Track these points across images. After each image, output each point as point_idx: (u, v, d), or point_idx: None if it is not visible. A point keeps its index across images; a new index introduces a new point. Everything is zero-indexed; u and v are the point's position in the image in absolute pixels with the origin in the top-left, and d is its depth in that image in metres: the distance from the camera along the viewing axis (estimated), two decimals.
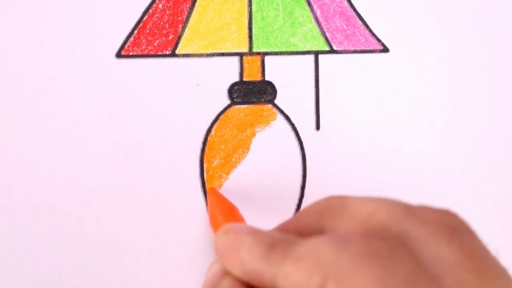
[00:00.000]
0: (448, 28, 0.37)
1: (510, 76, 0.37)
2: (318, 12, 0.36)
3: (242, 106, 0.35)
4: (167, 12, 0.35)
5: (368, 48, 0.36)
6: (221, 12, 0.35)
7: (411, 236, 0.19)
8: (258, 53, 0.35)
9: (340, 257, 0.18)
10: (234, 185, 0.35)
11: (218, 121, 0.35)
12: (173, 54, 0.35)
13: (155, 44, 0.35)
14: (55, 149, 0.34)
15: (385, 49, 0.36)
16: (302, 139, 0.36)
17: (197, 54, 0.35)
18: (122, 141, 0.34)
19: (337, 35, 0.36)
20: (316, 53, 0.36)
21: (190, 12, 0.35)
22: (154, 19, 0.35)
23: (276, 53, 0.36)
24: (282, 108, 0.36)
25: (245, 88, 0.35)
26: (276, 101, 0.36)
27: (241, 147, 0.36)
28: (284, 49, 0.36)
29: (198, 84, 0.35)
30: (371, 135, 0.36)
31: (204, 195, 0.35)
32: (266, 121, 0.36)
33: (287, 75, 0.36)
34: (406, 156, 0.37)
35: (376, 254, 0.18)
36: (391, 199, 0.21)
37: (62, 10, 0.34)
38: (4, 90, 0.33)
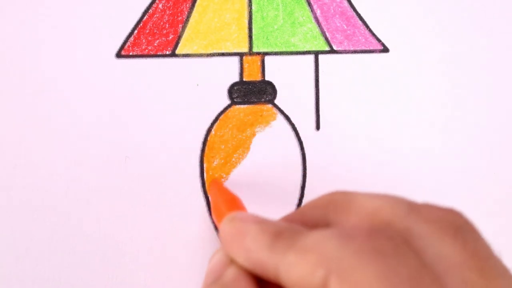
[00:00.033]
0: (448, 28, 0.37)
1: (510, 76, 0.37)
2: (318, 12, 0.36)
3: (242, 106, 0.35)
4: (167, 12, 0.35)
5: (368, 48, 0.36)
6: (221, 12, 0.35)
7: (415, 234, 0.19)
8: (258, 53, 0.35)
9: (344, 252, 0.18)
10: (234, 185, 0.35)
11: (218, 121, 0.35)
12: (173, 54, 0.35)
13: (155, 44, 0.35)
14: (55, 149, 0.34)
15: (385, 49, 0.36)
16: (302, 139, 0.36)
17: (197, 54, 0.35)
18: (122, 141, 0.34)
19: (337, 35, 0.36)
20: (316, 53, 0.36)
21: (190, 12, 0.35)
22: (154, 19, 0.35)
23: (276, 53, 0.36)
24: (282, 108, 0.36)
25: (245, 88, 0.35)
26: (276, 101, 0.36)
27: (241, 147, 0.36)
28: (284, 49, 0.36)
29: (198, 84, 0.35)
30: (371, 135, 0.36)
31: (204, 195, 0.35)
32: (266, 121, 0.36)
33: (287, 75, 0.36)
34: (406, 156, 0.37)
35: (380, 251, 0.18)
36: (397, 196, 0.21)
37: (62, 10, 0.34)
38: (4, 90, 0.33)
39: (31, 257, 0.33)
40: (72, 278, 0.34)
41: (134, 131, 0.34)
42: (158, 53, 0.35)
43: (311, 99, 0.36)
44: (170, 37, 0.35)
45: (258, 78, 0.35)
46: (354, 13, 0.36)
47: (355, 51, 0.36)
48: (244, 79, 0.35)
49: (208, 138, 0.35)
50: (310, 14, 0.36)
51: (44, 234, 0.34)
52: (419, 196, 0.36)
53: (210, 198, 0.34)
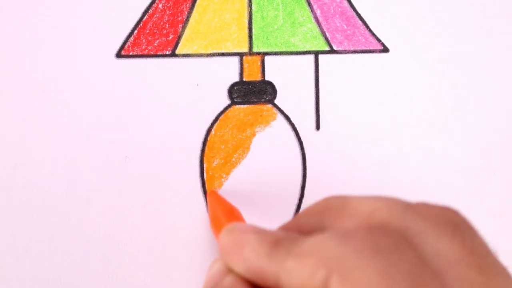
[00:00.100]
0: (448, 28, 0.37)
1: (510, 76, 0.37)
2: (318, 12, 0.36)
3: (242, 106, 0.35)
4: (167, 12, 0.35)
5: (368, 48, 0.36)
6: (221, 12, 0.35)
7: (413, 231, 0.19)
8: (258, 53, 0.35)
9: (343, 251, 0.18)
10: (234, 185, 0.35)
11: (218, 121, 0.35)
12: (173, 54, 0.35)
13: (155, 44, 0.35)
14: (55, 149, 0.34)
15: (385, 49, 0.36)
16: (302, 139, 0.36)
17: (197, 54, 0.35)
18: (122, 141, 0.34)
19: (337, 35, 0.36)
20: (316, 53, 0.36)
21: (190, 12, 0.35)
22: (154, 19, 0.35)
23: (276, 53, 0.36)
24: (282, 108, 0.36)
25: (245, 88, 0.35)
26: (276, 101, 0.36)
27: (241, 147, 0.36)
28: (284, 49, 0.36)
29: (198, 84, 0.35)
30: (371, 135, 0.36)
31: (204, 195, 0.35)
32: (266, 121, 0.36)
33: (287, 75, 0.36)
34: (406, 156, 0.37)
35: (380, 248, 0.18)
36: (391, 197, 0.21)
37: (62, 10, 0.34)
38: (4, 90, 0.33)
39: (31, 257, 0.33)
40: (72, 278, 0.34)
41: (134, 131, 0.34)
42: (158, 53, 0.35)
43: (311, 99, 0.36)
44: (170, 37, 0.35)
45: (258, 78, 0.35)
46: (354, 13, 0.36)
47: (355, 51, 0.36)
48: (244, 79, 0.35)
49: (208, 138, 0.35)
50: (310, 14, 0.36)
51: (44, 234, 0.34)
52: (419, 196, 0.36)
53: (208, 209, 0.34)
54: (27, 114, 0.34)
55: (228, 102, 0.35)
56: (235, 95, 0.35)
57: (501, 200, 0.37)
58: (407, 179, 0.37)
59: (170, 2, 0.35)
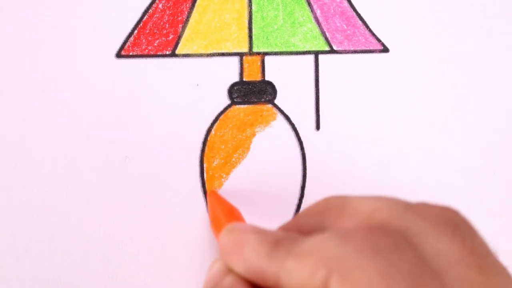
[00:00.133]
0: (448, 28, 0.37)
1: (510, 76, 0.37)
2: (318, 12, 0.36)
3: (242, 106, 0.35)
4: (167, 12, 0.35)
5: (368, 48, 0.36)
6: (221, 12, 0.35)
7: (413, 231, 0.19)
8: (258, 53, 0.35)
9: (343, 251, 0.18)
10: (234, 185, 0.35)
11: (218, 121, 0.35)
12: (173, 54, 0.35)
13: (155, 44, 0.35)
14: (55, 149, 0.34)
15: (385, 49, 0.36)
16: (302, 139, 0.36)
17: (197, 54, 0.35)
18: (122, 141, 0.34)
19: (337, 35, 0.36)
20: (316, 53, 0.36)
21: (190, 12, 0.35)
22: (154, 19, 0.35)
23: (276, 53, 0.36)
24: (282, 108, 0.36)
25: (245, 88, 0.35)
26: (276, 101, 0.36)
27: (241, 147, 0.36)
28: (284, 49, 0.36)
29: (198, 84, 0.35)
30: (371, 135, 0.36)
31: (204, 195, 0.35)
32: (266, 121, 0.36)
33: (287, 75, 0.36)
34: (406, 156, 0.37)
35: (380, 248, 0.18)
36: (391, 197, 0.21)
37: (62, 10, 0.34)
38: (4, 90, 0.33)
39: (31, 257, 0.33)
40: (72, 278, 0.34)
41: (134, 131, 0.34)
42: (158, 53, 0.35)
43: (311, 99, 0.36)
44: (170, 37, 0.35)
45: (258, 78, 0.35)
46: (354, 13, 0.36)
47: (355, 51, 0.36)
48: (244, 79, 0.35)
49: (208, 138, 0.35)
50: (310, 14, 0.36)
51: (44, 234, 0.34)
52: (419, 196, 0.36)
53: (208, 208, 0.34)
54: (27, 114, 0.34)
55: (228, 102, 0.35)
56: (235, 95, 0.35)
57: (501, 200, 0.37)
58: (407, 179, 0.37)
59: (170, 2, 0.35)
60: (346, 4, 0.36)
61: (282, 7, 0.36)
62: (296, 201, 0.36)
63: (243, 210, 0.31)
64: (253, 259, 0.21)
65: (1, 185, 0.33)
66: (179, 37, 0.35)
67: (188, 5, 0.35)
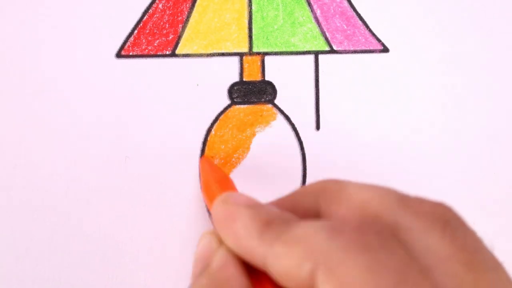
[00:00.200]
0: (448, 28, 0.37)
1: (510, 76, 0.37)
2: (318, 12, 0.36)
3: (242, 106, 0.35)
4: (167, 12, 0.35)
5: (368, 48, 0.36)
6: (221, 12, 0.35)
7: (404, 227, 0.19)
8: (258, 53, 0.35)
9: (332, 246, 0.18)
10: None
11: (218, 121, 0.35)
12: (173, 54, 0.35)
13: (155, 44, 0.35)
14: (55, 149, 0.34)
15: (385, 49, 0.36)
16: (302, 139, 0.36)
17: (197, 54, 0.35)
18: (122, 141, 0.34)
19: (337, 35, 0.36)
20: (316, 53, 0.36)
21: (190, 12, 0.35)
22: (154, 19, 0.35)
23: (276, 53, 0.36)
24: (282, 108, 0.36)
25: (245, 88, 0.35)
26: (276, 101, 0.36)
27: (241, 147, 0.36)
28: (284, 49, 0.36)
29: (198, 84, 0.35)
30: (371, 135, 0.36)
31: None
32: (266, 121, 0.36)
33: (287, 75, 0.36)
34: (406, 156, 0.37)
35: (368, 245, 0.18)
36: (387, 187, 0.21)
37: (62, 10, 0.34)
38: (4, 90, 0.33)
39: (31, 257, 0.33)
40: (72, 278, 0.34)
41: (134, 131, 0.34)
42: (158, 53, 0.35)
43: (311, 99, 0.36)
44: (170, 37, 0.35)
45: (258, 78, 0.35)
46: (354, 13, 0.36)
47: (355, 51, 0.36)
48: (244, 79, 0.35)
49: (208, 138, 0.35)
50: (310, 14, 0.36)
51: (44, 234, 0.34)
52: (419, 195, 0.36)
53: (200, 175, 0.34)
54: (27, 114, 0.34)
55: (228, 102, 0.35)
56: (235, 95, 0.35)
57: (501, 200, 0.37)
58: (407, 179, 0.37)
59: (170, 2, 0.35)
60: (346, 4, 0.36)
61: (282, 7, 0.36)
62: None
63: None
64: (243, 236, 0.21)
65: (1, 185, 0.33)
66: (179, 37, 0.35)
67: (188, 5, 0.35)
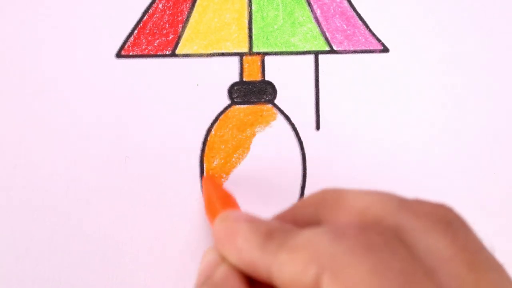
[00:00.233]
0: (448, 28, 0.37)
1: (510, 76, 0.37)
2: (318, 12, 0.36)
3: (242, 106, 0.35)
4: (167, 12, 0.35)
5: (368, 48, 0.36)
6: (221, 12, 0.35)
7: (406, 229, 0.19)
8: (258, 53, 0.35)
9: (336, 249, 0.18)
10: (234, 185, 0.35)
11: (218, 121, 0.35)
12: (173, 54, 0.35)
13: (155, 44, 0.35)
14: (55, 149, 0.34)
15: (385, 49, 0.36)
16: (302, 139, 0.36)
17: (197, 54, 0.35)
18: (122, 141, 0.34)
19: (337, 35, 0.36)
20: (316, 53, 0.36)
21: (190, 12, 0.35)
22: (154, 19, 0.35)
23: (276, 53, 0.36)
24: (282, 108, 0.36)
25: (245, 88, 0.35)
26: (276, 101, 0.36)
27: (241, 147, 0.36)
28: (284, 49, 0.36)
29: (198, 84, 0.35)
30: (371, 135, 0.36)
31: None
32: (266, 121, 0.36)
33: (287, 75, 0.36)
34: (406, 156, 0.37)
35: (372, 246, 0.18)
36: (386, 192, 0.21)
37: (62, 10, 0.34)
38: (4, 90, 0.33)
39: (31, 257, 0.33)
40: (72, 278, 0.34)
41: (134, 131, 0.34)
42: (158, 53, 0.35)
43: (311, 99, 0.36)
44: (170, 37, 0.35)
45: (258, 78, 0.35)
46: (354, 13, 0.36)
47: (355, 51, 0.36)
48: (244, 79, 0.35)
49: (208, 138, 0.35)
50: (310, 14, 0.36)
51: (44, 234, 0.34)
52: (419, 196, 0.36)
53: (203, 194, 0.34)
54: (27, 114, 0.34)
55: (228, 102, 0.35)
56: (235, 95, 0.35)
57: (501, 200, 0.37)
58: (407, 179, 0.37)
59: (170, 2, 0.35)
60: (346, 4, 0.36)
61: (282, 7, 0.36)
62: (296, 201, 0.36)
63: (243, 210, 0.31)
64: (245, 249, 0.21)
65: (1, 185, 0.33)
66: (179, 37, 0.35)
67: (188, 5, 0.35)
